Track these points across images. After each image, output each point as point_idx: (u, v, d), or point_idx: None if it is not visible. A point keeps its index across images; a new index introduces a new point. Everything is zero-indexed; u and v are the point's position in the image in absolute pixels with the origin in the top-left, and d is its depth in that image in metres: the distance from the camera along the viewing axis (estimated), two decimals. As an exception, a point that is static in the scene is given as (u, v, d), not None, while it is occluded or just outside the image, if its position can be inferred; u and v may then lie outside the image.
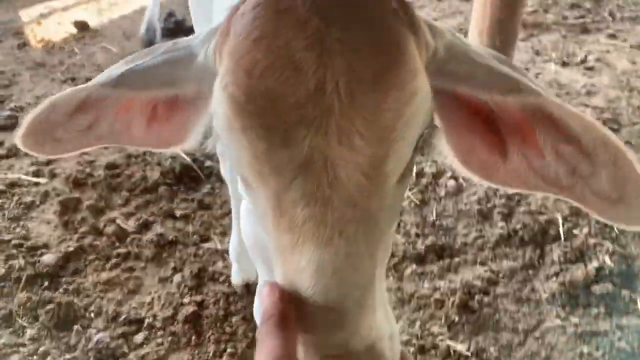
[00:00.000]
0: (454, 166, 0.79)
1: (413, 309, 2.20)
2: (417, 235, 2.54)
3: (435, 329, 2.12)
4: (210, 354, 2.03)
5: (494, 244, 2.49)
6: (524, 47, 4.24)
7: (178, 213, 2.63)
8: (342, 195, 0.63)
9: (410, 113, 0.66)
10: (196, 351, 2.04)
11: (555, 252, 2.43)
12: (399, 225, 2.58)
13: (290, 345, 0.61)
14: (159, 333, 2.10)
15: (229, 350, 2.03)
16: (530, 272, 2.37)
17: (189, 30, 0.86)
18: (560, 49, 4.22)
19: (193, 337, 2.08)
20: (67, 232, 2.51)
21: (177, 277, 2.31)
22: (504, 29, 3.02)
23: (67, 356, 1.99)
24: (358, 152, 0.64)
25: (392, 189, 0.68)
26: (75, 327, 2.09)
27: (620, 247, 2.45)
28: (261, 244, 1.23)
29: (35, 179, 2.79)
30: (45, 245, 2.43)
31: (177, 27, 4.35)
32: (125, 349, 2.04)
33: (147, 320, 2.13)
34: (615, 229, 2.53)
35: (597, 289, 2.25)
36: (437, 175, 2.87)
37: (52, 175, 2.83)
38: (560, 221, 2.57)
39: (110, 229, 2.51)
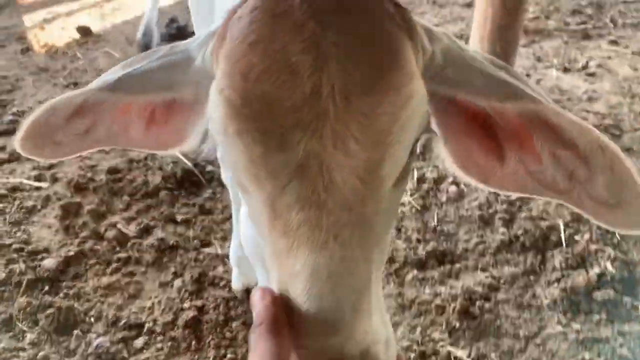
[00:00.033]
0: (451, 170, 0.79)
1: (414, 315, 2.20)
2: (418, 240, 2.53)
3: (436, 335, 2.11)
4: (211, 359, 2.02)
5: (495, 250, 2.48)
6: (525, 53, 4.24)
7: (179, 218, 2.63)
8: (337, 199, 0.63)
9: (406, 117, 0.66)
10: (196, 356, 2.04)
11: (557, 258, 2.42)
12: (399, 230, 2.58)
13: (283, 351, 0.61)
14: (159, 338, 2.09)
15: (229, 355, 2.02)
16: (532, 278, 2.36)
17: (191, 36, 0.86)
18: (562, 55, 4.22)
19: (193, 342, 2.08)
20: (68, 237, 2.51)
21: (177, 282, 2.31)
22: (505, 35, 3.02)
23: (67, 361, 1.99)
24: (353, 156, 0.64)
25: (387, 193, 0.68)
26: (75, 331, 2.09)
27: (622, 253, 2.44)
28: (261, 249, 1.23)
29: (36, 184, 2.80)
30: (46, 250, 2.43)
31: (180, 33, 4.36)
32: (125, 354, 2.03)
33: (147, 325, 2.13)
34: (617, 235, 2.52)
35: (598, 295, 2.24)
36: (439, 181, 2.86)
37: (54, 180, 2.84)
38: (562, 227, 2.56)
39: (111, 233, 2.51)
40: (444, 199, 2.77)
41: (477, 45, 3.01)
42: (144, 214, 2.65)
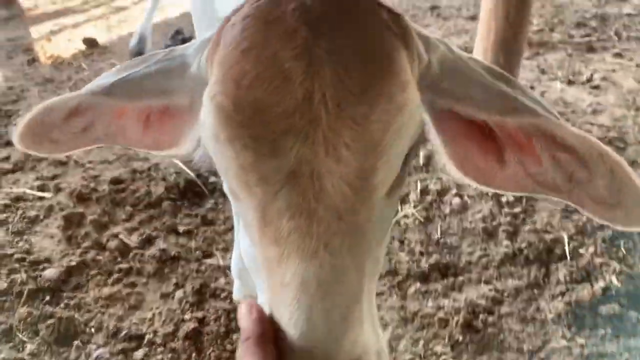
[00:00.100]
0: (451, 173, 0.79)
1: (416, 328, 2.18)
2: (421, 253, 2.51)
3: (438, 349, 2.09)
4: (210, 372, 2.01)
5: (499, 263, 2.46)
6: (529, 65, 4.25)
7: (181, 228, 2.62)
8: (328, 207, 0.63)
9: (399, 125, 0.65)
10: (196, 368, 2.02)
11: (561, 272, 2.40)
12: (402, 242, 2.57)
13: None
14: (159, 349, 2.08)
15: (229, 367, 2.01)
16: (536, 291, 2.34)
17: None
18: (566, 68, 4.22)
19: (193, 354, 2.06)
20: (70, 247, 2.50)
21: (178, 293, 2.30)
22: (509, 47, 3.03)
23: (66, 372, 1.98)
24: (344, 163, 0.63)
25: (380, 202, 0.68)
26: (75, 342, 2.07)
27: (627, 267, 2.42)
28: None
29: (40, 193, 2.80)
30: (48, 260, 2.42)
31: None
32: (125, 365, 2.02)
33: (147, 337, 2.12)
34: (622, 249, 2.50)
35: (603, 309, 2.22)
36: (442, 193, 2.85)
37: (57, 190, 2.84)
38: (566, 240, 2.54)
39: (113, 243, 2.50)
40: (447, 211, 2.76)
41: (480, 57, 3.01)
42: (146, 224, 2.65)
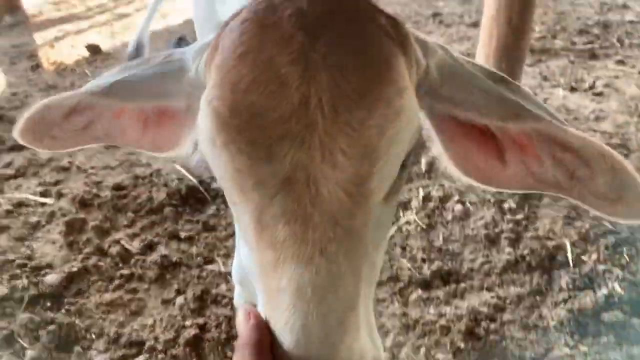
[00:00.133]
0: (451, 172, 0.79)
1: (418, 335, 2.16)
2: (423, 260, 2.51)
3: (440, 356, 2.08)
4: (211, 378, 2.00)
5: (501, 270, 2.45)
6: (532, 72, 4.25)
7: (183, 234, 2.62)
8: (324, 213, 0.62)
9: (396, 131, 0.65)
10: (197, 375, 2.01)
11: (564, 279, 2.39)
12: (404, 249, 2.56)
13: None
14: (160, 356, 2.07)
15: (229, 374, 2.00)
16: (538, 298, 2.33)
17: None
18: (569, 75, 4.22)
19: (194, 361, 2.05)
20: (72, 253, 2.51)
21: (179, 299, 2.29)
22: (511, 54, 3.03)
23: (67, 378, 1.98)
24: (341, 169, 0.63)
25: (376, 207, 0.67)
26: (76, 348, 2.07)
27: (630, 274, 2.40)
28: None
29: (42, 199, 2.81)
30: (49, 266, 2.43)
31: (188, 52, 4.41)
32: (125, 372, 2.02)
33: (148, 343, 2.11)
34: (625, 256, 2.49)
35: (606, 316, 2.20)
36: (444, 200, 2.85)
37: (59, 195, 2.85)
38: (569, 247, 2.53)
39: (114, 249, 2.51)
40: (449, 217, 2.75)
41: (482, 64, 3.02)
42: (148, 230, 2.65)
